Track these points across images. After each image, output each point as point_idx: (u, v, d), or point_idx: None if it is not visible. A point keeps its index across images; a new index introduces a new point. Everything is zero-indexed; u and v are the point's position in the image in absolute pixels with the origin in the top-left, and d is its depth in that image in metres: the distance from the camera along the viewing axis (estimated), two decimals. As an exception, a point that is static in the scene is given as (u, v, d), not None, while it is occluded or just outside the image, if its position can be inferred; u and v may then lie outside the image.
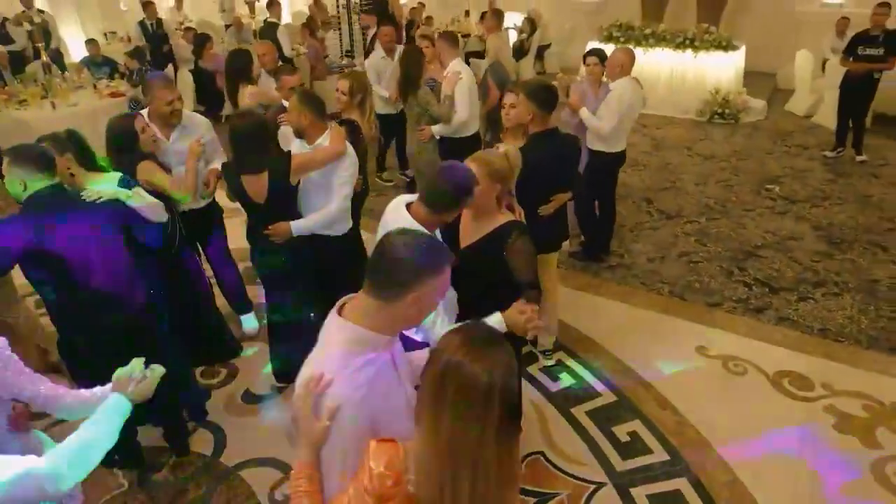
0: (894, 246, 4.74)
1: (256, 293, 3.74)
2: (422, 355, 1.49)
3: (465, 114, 4.40)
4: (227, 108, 5.85)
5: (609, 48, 9.07)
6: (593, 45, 9.24)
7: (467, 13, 11.05)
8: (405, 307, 1.32)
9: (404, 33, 9.10)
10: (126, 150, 2.83)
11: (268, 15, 9.03)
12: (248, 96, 4.23)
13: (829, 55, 8.07)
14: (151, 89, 3.11)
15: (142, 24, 8.61)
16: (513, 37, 10.23)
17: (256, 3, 10.91)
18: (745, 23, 9.65)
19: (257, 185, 2.71)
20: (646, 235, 5.01)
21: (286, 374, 3.14)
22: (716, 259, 4.60)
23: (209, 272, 3.64)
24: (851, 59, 6.33)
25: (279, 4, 9.11)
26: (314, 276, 2.96)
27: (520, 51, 10.38)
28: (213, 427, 3.07)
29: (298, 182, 2.82)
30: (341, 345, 1.34)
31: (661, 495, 2.66)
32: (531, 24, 10.45)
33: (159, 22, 8.76)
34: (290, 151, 2.85)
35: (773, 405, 3.16)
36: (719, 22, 9.34)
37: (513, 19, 10.72)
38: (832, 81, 7.46)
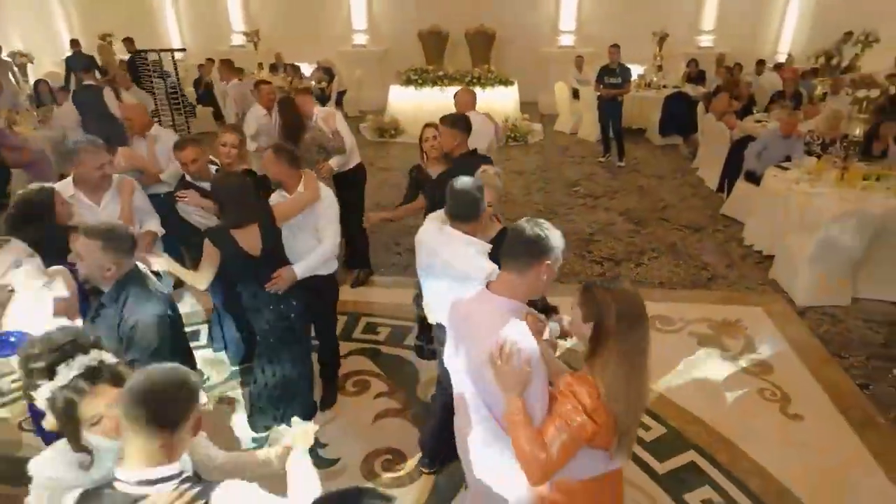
0: (672, 217, 6.47)
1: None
2: None
3: (351, 141, 4.80)
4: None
5: (409, 91, 10.23)
6: (394, 91, 10.28)
7: (260, 66, 11.15)
8: (536, 276, 1.80)
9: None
10: (34, 221, 2.64)
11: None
12: (123, 159, 4.01)
13: (576, 84, 10.29)
14: (79, 154, 2.91)
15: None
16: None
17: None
18: (508, 62, 11.62)
19: (251, 237, 2.80)
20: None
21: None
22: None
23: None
24: (601, 86, 8.31)
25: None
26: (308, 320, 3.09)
27: (322, 98, 10.87)
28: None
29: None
30: (507, 315, 1.77)
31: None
32: (328, 72, 11.02)
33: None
34: (268, 202, 2.98)
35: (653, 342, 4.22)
36: (489, 62, 11.14)
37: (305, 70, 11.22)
38: (587, 105, 9.58)
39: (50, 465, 1.47)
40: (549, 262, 1.79)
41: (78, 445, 1.44)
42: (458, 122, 3.65)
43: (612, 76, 8.24)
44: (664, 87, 10.00)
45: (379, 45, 12.37)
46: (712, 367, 3.92)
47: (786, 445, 3.23)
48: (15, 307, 2.29)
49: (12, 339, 2.23)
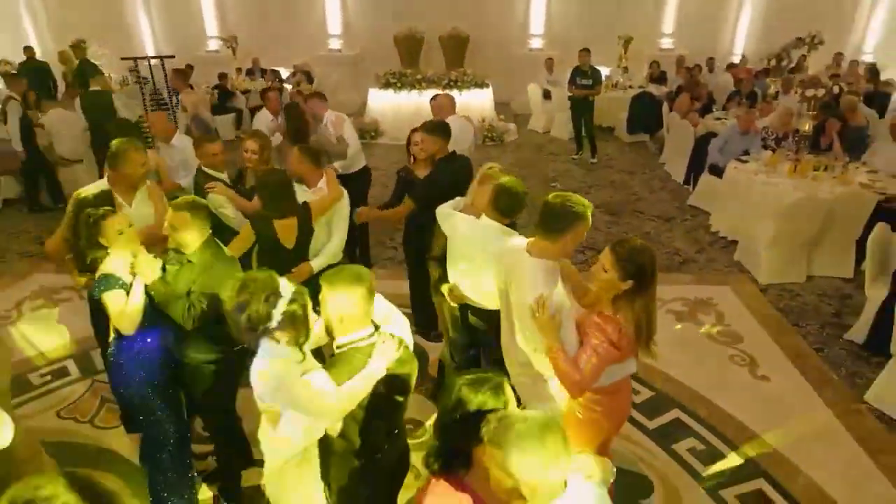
0: (645, 209, 7.00)
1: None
2: None
3: (356, 146, 5.12)
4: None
5: (387, 94, 10.53)
6: (373, 94, 10.58)
7: (238, 70, 11.29)
8: (564, 242, 2.27)
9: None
10: None
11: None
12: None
13: (547, 86, 10.79)
14: (126, 153, 3.16)
15: None
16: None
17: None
18: (481, 64, 12.02)
19: (288, 230, 3.11)
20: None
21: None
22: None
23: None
24: (574, 87, 8.81)
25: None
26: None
27: (300, 101, 11.10)
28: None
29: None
30: (542, 273, 2.26)
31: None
32: (307, 76, 11.25)
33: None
34: (306, 202, 3.29)
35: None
36: (463, 65, 11.54)
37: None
38: (558, 105, 10.07)
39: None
40: (575, 230, 2.22)
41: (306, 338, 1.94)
42: (437, 128, 3.97)
43: (585, 78, 8.73)
44: (630, 87, 10.59)
45: (354, 49, 12.64)
46: (689, 339, 4.41)
47: (755, 401, 3.72)
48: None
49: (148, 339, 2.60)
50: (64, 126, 7.36)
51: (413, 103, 10.28)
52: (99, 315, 2.93)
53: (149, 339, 2.62)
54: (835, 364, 4.10)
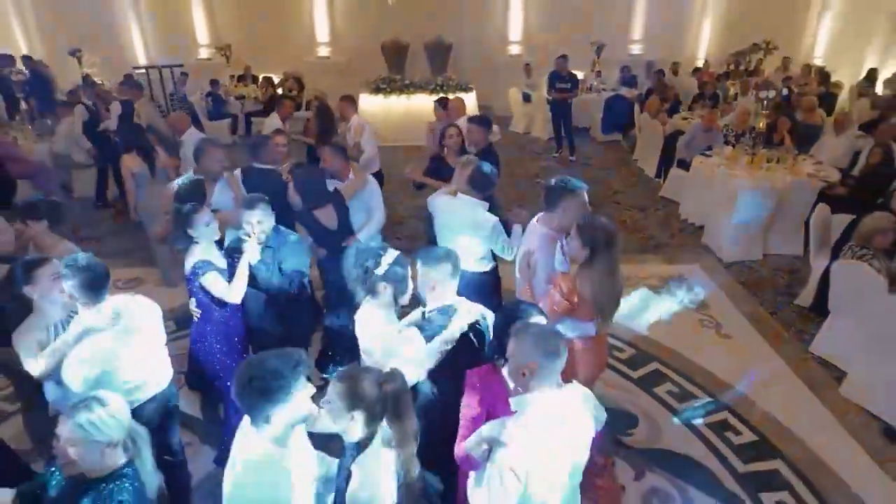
0: (622, 201, 7.74)
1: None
2: None
3: (372, 151, 5.71)
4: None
5: (378, 99, 11.08)
6: (364, 98, 11.12)
7: (232, 77, 11.72)
8: (563, 212, 2.94)
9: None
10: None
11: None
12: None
13: (526, 89, 11.51)
14: (206, 150, 3.75)
15: None
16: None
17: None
18: (463, 70, 12.68)
19: (328, 215, 3.70)
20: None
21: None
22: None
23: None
24: (554, 91, 9.52)
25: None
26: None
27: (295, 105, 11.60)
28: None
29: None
30: (537, 237, 2.96)
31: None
32: (298, 82, 11.76)
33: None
34: (337, 189, 3.89)
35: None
36: (447, 71, 12.18)
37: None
38: (537, 107, 10.80)
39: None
40: (567, 204, 2.90)
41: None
42: (484, 122, 4.67)
43: (563, 82, 9.45)
44: (603, 90, 11.37)
45: (342, 56, 13.17)
46: (665, 308, 5.11)
47: (720, 355, 4.43)
48: None
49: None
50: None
51: (402, 107, 10.91)
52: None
53: (228, 312, 3.18)
54: (786, 324, 4.85)
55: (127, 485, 1.82)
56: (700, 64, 12.50)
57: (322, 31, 12.96)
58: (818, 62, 12.81)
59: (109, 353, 2.37)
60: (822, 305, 4.68)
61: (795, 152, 6.60)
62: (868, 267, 3.85)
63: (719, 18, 13.03)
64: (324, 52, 13.10)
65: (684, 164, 7.25)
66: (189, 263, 3.06)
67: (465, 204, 3.53)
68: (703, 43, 13.28)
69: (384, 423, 1.78)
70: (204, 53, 12.90)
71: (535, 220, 3.15)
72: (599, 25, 12.70)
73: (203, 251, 3.06)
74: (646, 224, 6.99)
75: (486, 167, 3.53)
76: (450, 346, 2.40)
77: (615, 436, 3.59)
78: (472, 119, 4.77)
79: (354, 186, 4.05)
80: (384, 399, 1.77)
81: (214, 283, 3.00)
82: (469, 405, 2.09)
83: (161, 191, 4.53)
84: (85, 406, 1.81)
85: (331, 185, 3.98)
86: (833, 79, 11.74)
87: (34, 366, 2.43)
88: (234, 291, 3.01)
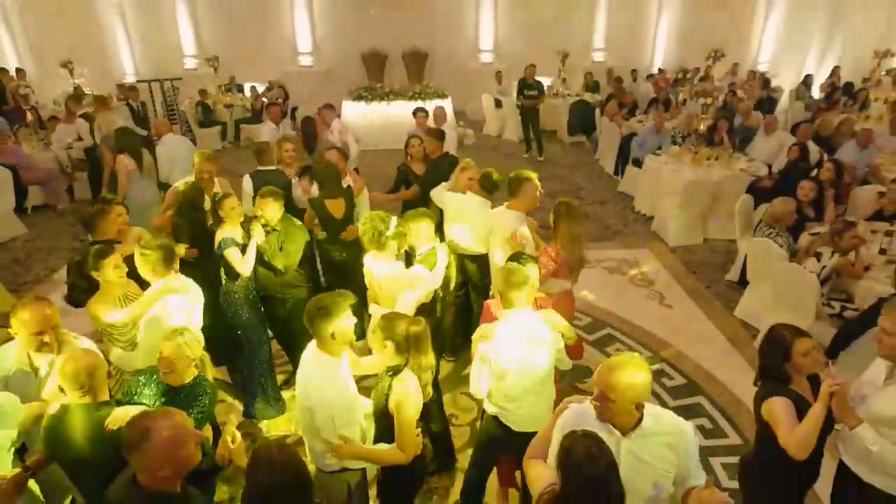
0: (585, 196, 8.62)
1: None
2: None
3: (354, 153, 6.47)
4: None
5: (359, 105, 11.80)
6: (347, 105, 11.85)
7: (220, 87, 12.34)
8: (521, 198, 3.83)
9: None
10: None
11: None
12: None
13: (497, 95, 12.38)
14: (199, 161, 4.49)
15: None
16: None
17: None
18: (439, 77, 13.50)
19: (337, 206, 4.45)
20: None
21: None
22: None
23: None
24: (522, 97, 10.39)
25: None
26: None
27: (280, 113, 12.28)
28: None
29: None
30: (514, 218, 3.78)
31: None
32: (283, 90, 12.43)
33: None
34: (349, 185, 4.66)
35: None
36: (423, 78, 13.00)
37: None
38: (508, 112, 11.67)
39: None
40: (524, 189, 3.73)
41: None
42: (437, 133, 5.49)
43: (531, 89, 10.33)
44: (568, 95, 12.31)
45: (323, 65, 13.87)
46: (617, 284, 6.00)
47: (661, 320, 5.31)
48: None
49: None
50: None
51: (382, 114, 11.67)
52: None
53: (249, 283, 3.93)
54: (718, 295, 5.77)
55: (205, 387, 2.61)
56: (655, 71, 13.54)
57: (304, 42, 13.63)
58: (763, 67, 14.00)
59: (186, 309, 3.12)
60: (745, 279, 5.60)
61: (731, 151, 7.58)
62: (773, 242, 4.77)
63: (673, 28, 14.13)
64: (305, 61, 13.77)
65: (638, 163, 8.17)
66: (217, 238, 3.82)
67: (473, 201, 4.32)
68: (660, 51, 14.35)
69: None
70: (190, 64, 13.45)
71: (504, 207, 3.97)
72: (565, 35, 13.67)
73: (229, 230, 3.82)
74: (604, 215, 7.89)
75: (493, 175, 4.35)
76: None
77: (573, 384, 4.43)
78: (428, 132, 5.58)
79: (360, 188, 4.84)
80: (408, 337, 2.54)
81: (232, 255, 3.74)
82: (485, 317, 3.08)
83: (146, 187, 5.83)
84: (179, 332, 2.58)
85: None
86: (775, 83, 12.92)
87: (118, 316, 3.14)
88: (245, 265, 3.76)
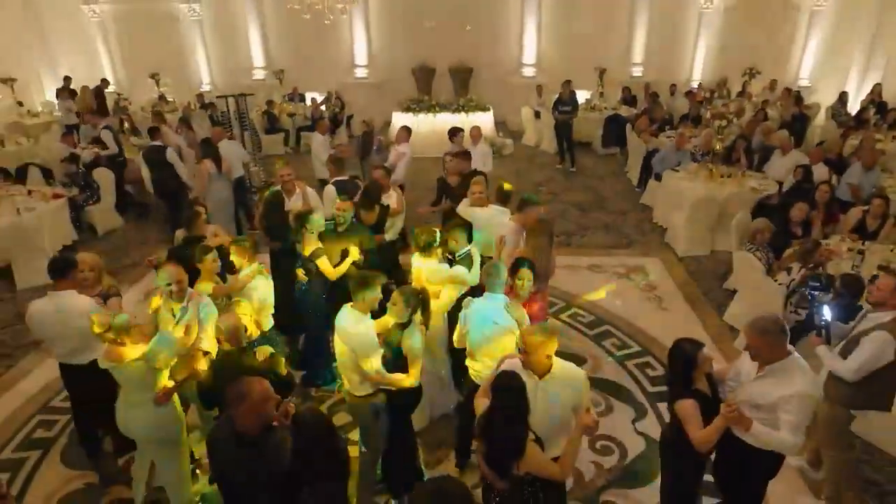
0: (608, 206, 9.35)
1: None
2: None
3: (401, 175, 7.46)
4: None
5: (408, 117, 12.87)
6: (397, 116, 12.90)
7: (284, 97, 13.67)
8: (521, 217, 4.71)
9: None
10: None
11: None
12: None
13: (537, 108, 13.16)
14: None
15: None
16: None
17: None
18: (482, 90, 14.36)
19: (370, 216, 5.45)
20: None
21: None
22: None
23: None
24: (558, 113, 11.17)
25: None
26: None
27: (334, 120, 13.49)
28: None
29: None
30: (509, 229, 4.66)
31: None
32: (340, 100, 13.65)
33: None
34: (387, 205, 5.66)
35: (589, 275, 7.04)
36: (468, 91, 13.92)
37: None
38: (546, 124, 12.45)
39: None
40: (526, 211, 4.64)
41: None
42: (465, 155, 6.44)
43: (565, 105, 11.10)
44: (605, 108, 12.96)
45: (377, 78, 15.02)
46: (622, 288, 6.76)
47: (656, 321, 6.04)
48: None
49: None
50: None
51: (429, 124, 12.67)
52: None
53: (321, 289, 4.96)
54: (714, 301, 6.44)
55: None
56: (695, 86, 13.98)
57: (360, 55, 14.83)
58: (804, 83, 14.19)
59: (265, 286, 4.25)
60: (739, 287, 6.26)
61: (744, 170, 8.15)
62: (752, 256, 5.45)
63: (712, 43, 14.52)
64: (361, 73, 14.97)
65: (659, 177, 8.83)
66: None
67: (496, 212, 5.19)
68: (698, 66, 14.76)
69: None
70: (259, 75, 14.89)
71: (508, 218, 4.85)
72: (604, 49, 14.31)
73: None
74: (623, 225, 8.61)
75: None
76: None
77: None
78: (455, 154, 6.54)
79: (397, 210, 5.85)
80: (417, 297, 3.51)
81: (323, 264, 4.79)
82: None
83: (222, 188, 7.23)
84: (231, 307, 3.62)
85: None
86: (816, 100, 13.16)
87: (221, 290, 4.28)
88: (336, 273, 4.79)
